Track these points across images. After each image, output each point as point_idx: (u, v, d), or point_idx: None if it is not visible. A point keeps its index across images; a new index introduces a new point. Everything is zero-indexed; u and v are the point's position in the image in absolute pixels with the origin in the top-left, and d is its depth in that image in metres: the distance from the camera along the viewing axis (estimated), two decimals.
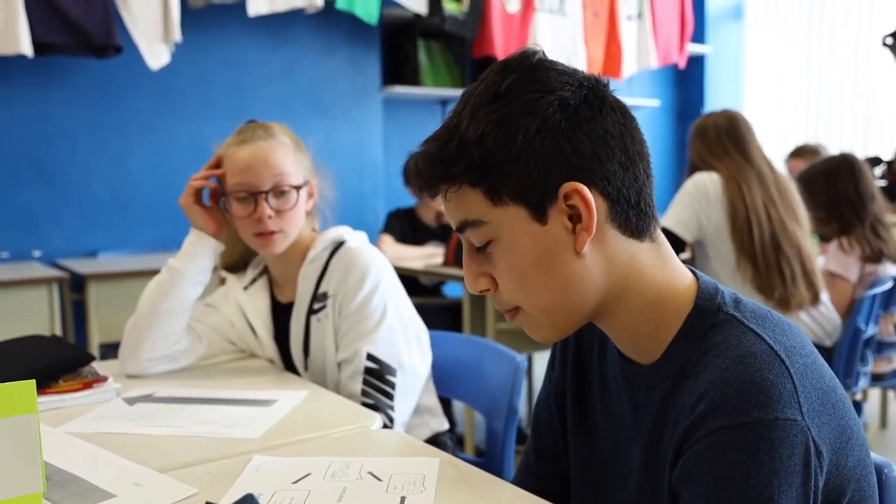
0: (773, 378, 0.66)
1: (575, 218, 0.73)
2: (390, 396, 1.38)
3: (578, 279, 0.74)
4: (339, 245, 1.47)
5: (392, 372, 1.39)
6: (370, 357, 1.39)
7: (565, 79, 0.74)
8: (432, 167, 0.75)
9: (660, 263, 0.77)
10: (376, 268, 1.43)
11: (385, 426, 1.33)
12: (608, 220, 0.74)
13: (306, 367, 1.47)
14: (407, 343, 1.45)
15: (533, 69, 0.74)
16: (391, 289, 1.45)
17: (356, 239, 1.50)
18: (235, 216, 1.43)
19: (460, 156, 0.73)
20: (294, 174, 1.43)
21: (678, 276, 0.78)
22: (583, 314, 0.77)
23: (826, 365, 0.73)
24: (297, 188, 1.43)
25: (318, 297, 1.45)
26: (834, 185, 2.58)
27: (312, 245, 1.48)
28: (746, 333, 0.71)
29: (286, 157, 1.42)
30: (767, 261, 2.28)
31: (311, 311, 1.46)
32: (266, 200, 1.40)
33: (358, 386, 1.37)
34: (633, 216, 0.75)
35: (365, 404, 1.34)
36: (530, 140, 0.71)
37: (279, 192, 1.41)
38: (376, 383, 1.38)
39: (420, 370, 1.46)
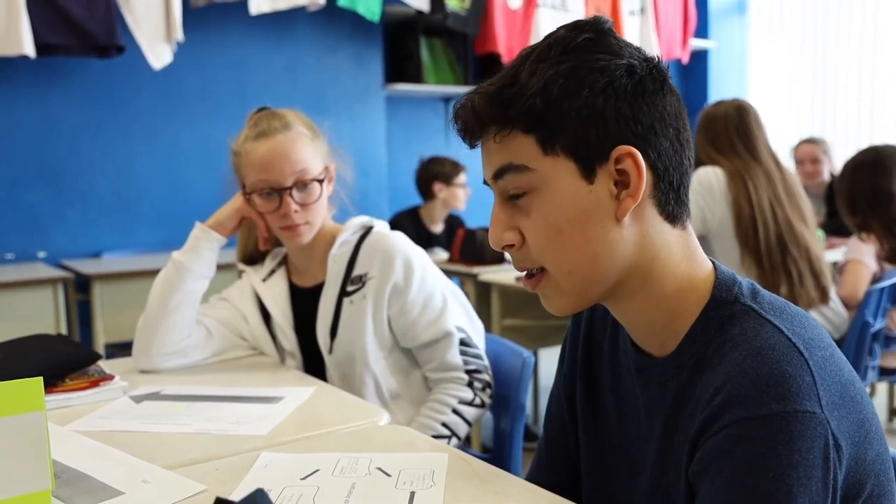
0: (792, 370, 0.65)
1: (621, 184, 0.73)
2: (481, 357, 1.47)
3: (611, 247, 0.74)
4: (367, 230, 1.50)
5: (470, 337, 1.47)
6: (458, 328, 1.45)
7: (632, 51, 0.74)
8: (490, 107, 0.74)
9: (686, 253, 0.77)
10: (415, 250, 1.48)
11: (487, 386, 1.44)
12: (651, 195, 0.74)
13: (331, 351, 1.47)
14: (464, 308, 1.51)
15: (605, 34, 0.74)
16: (431, 264, 1.50)
17: (381, 225, 1.53)
18: (260, 211, 1.45)
19: (520, 101, 0.72)
20: (314, 165, 1.44)
21: (699, 266, 0.77)
22: (604, 287, 0.76)
23: (844, 358, 0.72)
24: (320, 181, 1.44)
25: (353, 280, 1.46)
26: (855, 176, 2.53)
27: (341, 230, 1.50)
28: (764, 325, 0.70)
29: (305, 149, 1.43)
30: (773, 261, 2.25)
31: (344, 294, 1.46)
32: (290, 195, 1.41)
33: (459, 357, 1.43)
34: (672, 199, 0.75)
35: (467, 371, 1.43)
36: (595, 97, 0.71)
37: (302, 185, 1.42)
38: (468, 350, 1.45)
39: (479, 328, 1.53)
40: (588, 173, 0.72)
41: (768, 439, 0.63)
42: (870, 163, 2.53)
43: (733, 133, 2.36)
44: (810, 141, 4.07)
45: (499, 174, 0.75)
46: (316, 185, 1.44)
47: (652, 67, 0.74)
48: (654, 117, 0.72)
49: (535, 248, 0.75)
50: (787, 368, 0.65)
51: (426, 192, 3.66)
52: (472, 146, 0.77)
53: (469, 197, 3.73)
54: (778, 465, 0.63)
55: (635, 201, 0.72)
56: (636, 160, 0.71)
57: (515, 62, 0.75)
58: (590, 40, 0.73)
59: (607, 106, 0.71)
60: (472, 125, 0.75)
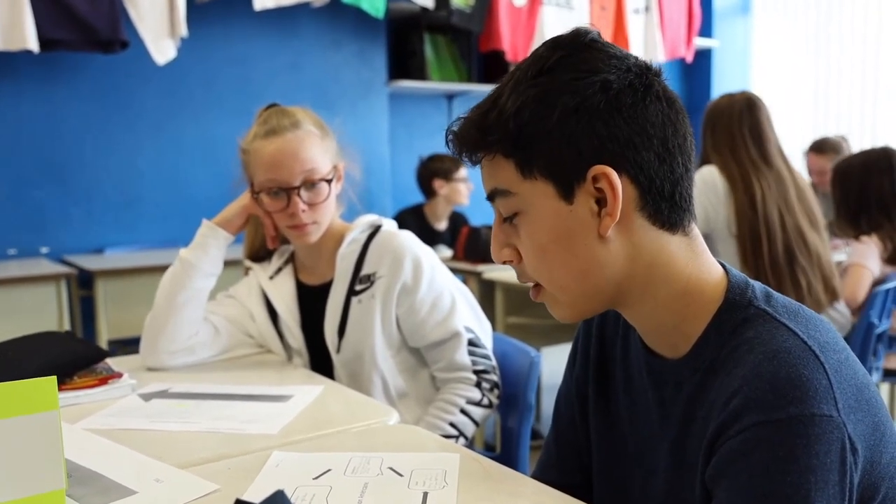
0: (809, 373, 0.65)
1: (602, 201, 0.73)
2: (489, 358, 1.46)
3: (599, 263, 0.74)
4: (376, 229, 1.50)
5: (479, 338, 1.47)
6: (466, 328, 1.45)
7: (613, 62, 0.73)
8: (470, 133, 0.76)
9: (690, 257, 0.76)
10: (424, 249, 1.47)
11: (495, 386, 1.43)
12: (637, 208, 0.73)
13: (339, 350, 1.47)
14: (472, 308, 1.51)
15: (582, 49, 0.74)
16: (440, 264, 1.50)
17: (390, 224, 1.53)
18: (268, 210, 1.45)
19: (497, 126, 0.73)
20: (323, 165, 1.43)
21: (708, 270, 0.77)
22: (603, 299, 0.77)
23: (858, 361, 0.72)
24: (329, 180, 1.44)
25: (361, 279, 1.46)
26: (868, 179, 2.47)
27: (349, 228, 1.50)
28: (779, 328, 0.70)
29: (314, 149, 1.42)
30: (779, 272, 2.15)
31: (353, 292, 1.46)
32: (298, 195, 1.41)
33: (468, 358, 1.43)
34: (666, 208, 0.74)
35: (475, 372, 1.43)
36: (566, 118, 0.71)
37: (310, 185, 1.42)
38: (476, 350, 1.45)
39: (487, 328, 1.52)
40: (567, 194, 0.73)
41: (786, 443, 0.63)
42: (885, 163, 2.47)
43: (745, 132, 2.24)
44: (818, 150, 3.91)
45: (490, 197, 0.78)
46: (324, 184, 1.43)
47: (633, 77, 0.73)
48: (632, 131, 0.72)
49: (528, 266, 0.77)
50: (803, 372, 0.65)
51: (428, 189, 3.66)
52: (473, 165, 0.78)
53: (472, 192, 3.72)
54: (796, 469, 0.63)
55: (614, 219, 0.72)
56: (611, 179, 0.71)
57: (501, 83, 0.76)
58: (564, 58, 0.73)
59: (579, 126, 0.71)
60: (461, 151, 0.77)
